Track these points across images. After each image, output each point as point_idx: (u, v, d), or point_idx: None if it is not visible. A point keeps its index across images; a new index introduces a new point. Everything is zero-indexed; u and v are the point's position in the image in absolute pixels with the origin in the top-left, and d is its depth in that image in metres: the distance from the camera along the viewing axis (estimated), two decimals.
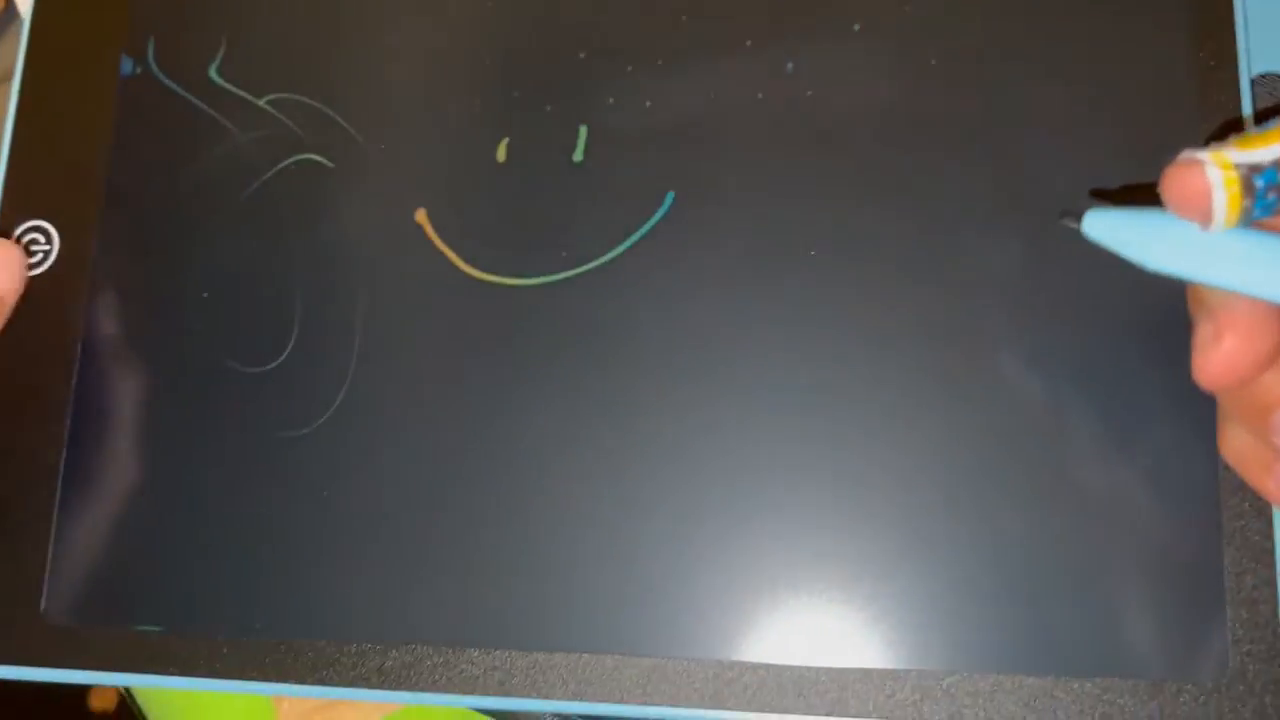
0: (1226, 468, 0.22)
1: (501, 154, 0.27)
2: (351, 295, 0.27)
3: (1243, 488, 0.22)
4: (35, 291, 0.28)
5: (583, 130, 0.27)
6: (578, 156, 0.27)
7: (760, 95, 0.26)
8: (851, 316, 0.25)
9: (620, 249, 0.26)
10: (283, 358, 0.27)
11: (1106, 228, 0.17)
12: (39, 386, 0.27)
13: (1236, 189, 0.15)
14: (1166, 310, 0.22)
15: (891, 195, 0.25)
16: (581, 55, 0.27)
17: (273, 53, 0.29)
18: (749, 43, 0.26)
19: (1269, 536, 0.22)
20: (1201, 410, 0.23)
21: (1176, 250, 0.16)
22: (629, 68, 0.27)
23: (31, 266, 0.28)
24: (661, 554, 0.24)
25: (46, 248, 0.28)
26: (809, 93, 0.26)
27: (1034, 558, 0.23)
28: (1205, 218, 0.15)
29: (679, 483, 0.25)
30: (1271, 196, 0.15)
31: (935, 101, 0.25)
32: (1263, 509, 0.22)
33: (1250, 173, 0.15)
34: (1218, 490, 0.23)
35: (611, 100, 0.27)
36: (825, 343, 0.25)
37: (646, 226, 0.26)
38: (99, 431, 0.27)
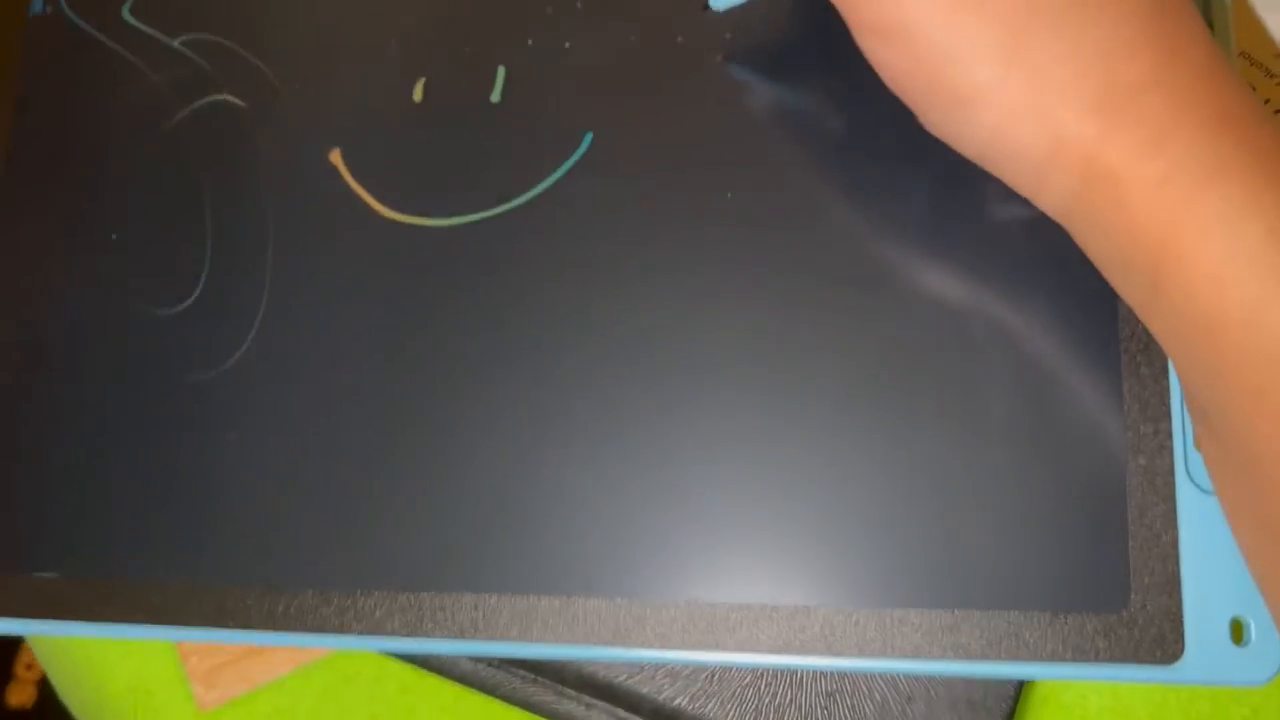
0: (1132, 404, 0.23)
1: (418, 94, 0.27)
2: (263, 235, 0.27)
3: (1146, 421, 0.23)
4: None
5: (501, 71, 0.27)
6: (495, 97, 0.27)
7: (679, 38, 0.26)
8: (763, 257, 0.25)
9: (537, 190, 0.26)
10: (192, 300, 0.27)
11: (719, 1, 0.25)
12: None
13: None
14: (1068, 255, 0.22)
15: (802, 139, 0.25)
16: None
17: None
18: None
19: (1170, 471, 0.23)
20: (1107, 349, 0.23)
21: None
22: (548, 9, 0.27)
23: None
24: (573, 493, 0.24)
25: None
26: (727, 35, 0.26)
27: (938, 495, 0.23)
28: None
29: (593, 422, 0.24)
30: None
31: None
32: (1164, 444, 0.23)
33: None
34: (1123, 425, 0.23)
35: (530, 41, 0.27)
36: (737, 283, 0.25)
37: (564, 167, 0.26)
38: (7, 372, 0.26)
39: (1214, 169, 0.19)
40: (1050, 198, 0.21)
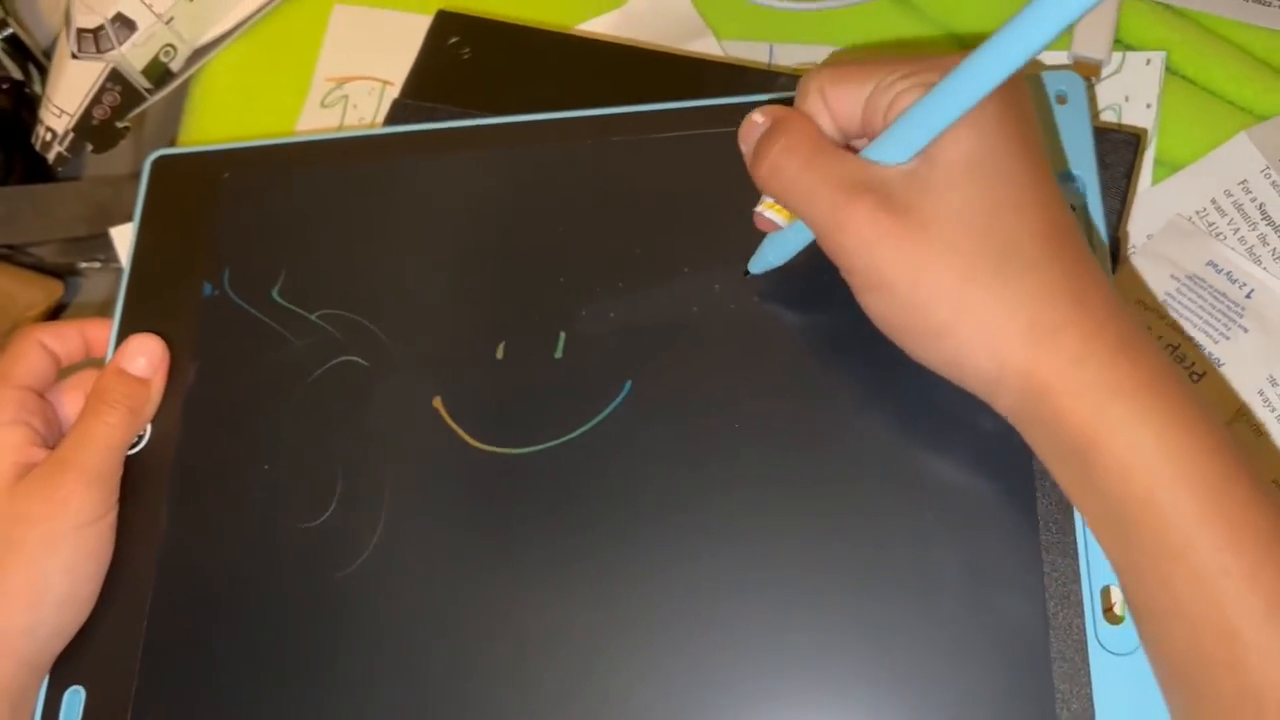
0: (1051, 584, 0.30)
1: (500, 353, 0.35)
2: (382, 464, 0.35)
3: (1060, 598, 0.30)
4: (132, 467, 0.35)
5: (562, 335, 0.35)
6: (558, 354, 0.35)
7: (695, 309, 0.35)
8: (764, 476, 0.32)
9: (591, 424, 0.34)
10: (327, 515, 0.34)
11: (758, 265, 0.34)
12: (133, 543, 0.35)
13: (785, 212, 0.31)
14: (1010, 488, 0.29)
15: (792, 384, 0.33)
16: (561, 279, 0.36)
17: (321, 279, 0.38)
18: (685, 270, 0.35)
19: (1083, 638, 0.29)
20: (1031, 549, 0.30)
21: (774, 249, 0.33)
22: (597, 288, 0.35)
23: (130, 448, 0.36)
24: (619, 674, 0.31)
25: (141, 433, 0.36)
26: (731, 306, 0.34)
27: (892, 666, 0.30)
28: (781, 223, 0.32)
29: (632, 592, 0.32)
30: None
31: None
32: (1076, 619, 0.29)
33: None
34: (1043, 605, 0.30)
35: (584, 312, 0.35)
36: (743, 492, 0.32)
37: (610, 407, 0.34)
38: (182, 573, 0.34)
39: (1115, 389, 0.26)
40: (1001, 403, 0.28)
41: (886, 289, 0.28)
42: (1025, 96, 0.29)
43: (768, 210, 0.32)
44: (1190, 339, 0.36)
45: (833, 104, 0.30)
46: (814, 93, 0.30)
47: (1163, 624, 0.26)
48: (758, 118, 0.31)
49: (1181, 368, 0.27)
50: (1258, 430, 0.35)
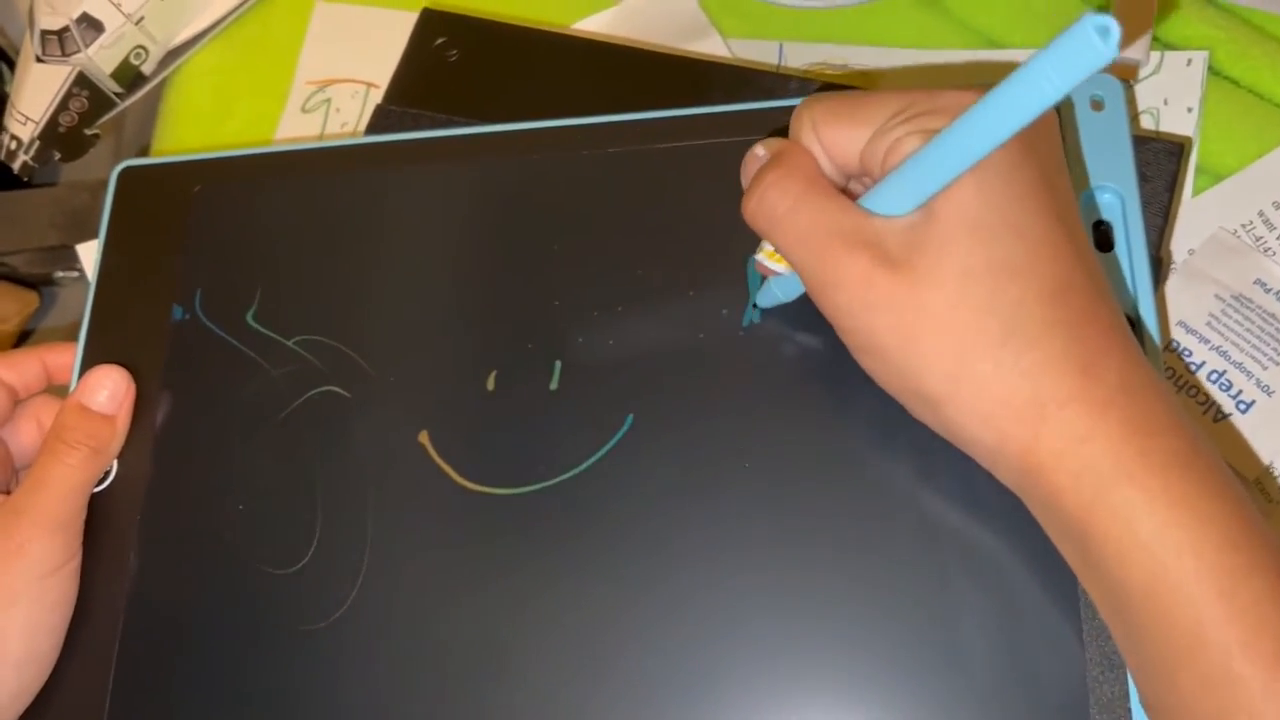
0: (1090, 644, 0.27)
1: (491, 384, 0.33)
2: (364, 505, 0.32)
3: (1102, 659, 0.27)
4: (96, 507, 0.33)
5: (558, 364, 0.33)
6: (554, 385, 0.32)
7: (701, 335, 0.32)
8: (776, 514, 0.30)
9: (589, 462, 0.31)
10: (305, 561, 0.32)
11: (765, 299, 0.32)
12: (97, 591, 0.32)
13: (782, 260, 0.29)
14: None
15: (809, 418, 0.31)
16: (556, 303, 0.33)
17: (299, 301, 0.35)
18: (691, 293, 0.32)
19: (1126, 697, 0.27)
20: (1070, 603, 0.28)
21: (781, 287, 0.31)
22: (595, 313, 0.33)
23: (94, 486, 0.33)
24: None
25: (107, 470, 0.34)
26: (741, 332, 0.32)
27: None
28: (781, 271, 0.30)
29: (636, 649, 0.29)
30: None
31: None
32: (1120, 677, 0.27)
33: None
34: (1083, 665, 0.27)
35: (581, 339, 0.33)
36: (755, 538, 0.30)
37: (611, 443, 0.31)
38: (151, 625, 0.32)
39: (1117, 474, 0.24)
40: (1001, 476, 0.26)
41: (880, 352, 0.26)
42: (1051, 129, 0.27)
43: (768, 260, 0.30)
44: (1237, 365, 0.33)
45: (827, 144, 0.28)
46: (807, 128, 0.28)
47: None
48: (759, 150, 0.29)
49: (1208, 437, 0.24)
50: None
